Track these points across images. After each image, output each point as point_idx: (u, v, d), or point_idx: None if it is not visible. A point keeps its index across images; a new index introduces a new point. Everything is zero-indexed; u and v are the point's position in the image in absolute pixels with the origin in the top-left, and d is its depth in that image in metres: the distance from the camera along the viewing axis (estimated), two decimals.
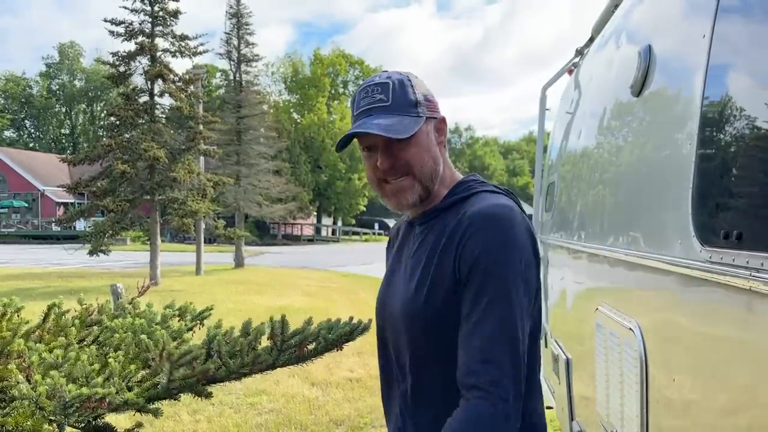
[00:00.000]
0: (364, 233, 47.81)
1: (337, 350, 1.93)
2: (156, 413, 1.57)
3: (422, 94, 1.31)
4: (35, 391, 1.39)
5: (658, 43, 1.82)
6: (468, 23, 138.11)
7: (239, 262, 21.50)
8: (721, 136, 1.30)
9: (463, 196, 1.30)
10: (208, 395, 1.68)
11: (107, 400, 1.44)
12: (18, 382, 1.42)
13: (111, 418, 1.67)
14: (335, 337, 1.93)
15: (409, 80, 1.30)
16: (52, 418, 1.41)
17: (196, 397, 1.69)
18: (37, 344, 1.66)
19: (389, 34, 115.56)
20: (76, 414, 1.41)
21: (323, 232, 47.53)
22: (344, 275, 18.70)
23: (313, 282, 16.77)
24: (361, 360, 7.30)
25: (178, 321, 2.07)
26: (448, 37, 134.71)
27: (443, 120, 1.36)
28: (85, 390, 1.42)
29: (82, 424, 1.46)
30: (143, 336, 1.68)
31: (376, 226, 51.84)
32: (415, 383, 1.30)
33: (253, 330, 1.74)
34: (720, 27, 1.37)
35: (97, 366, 1.59)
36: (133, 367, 1.64)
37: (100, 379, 1.53)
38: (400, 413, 1.35)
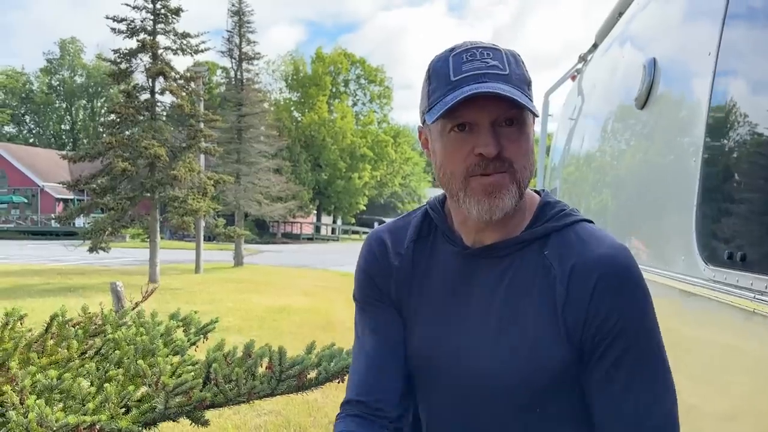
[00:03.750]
0: (364, 232, 47.76)
1: (339, 382, 1.89)
2: None
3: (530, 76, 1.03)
4: (26, 418, 1.38)
5: (663, 57, 1.83)
6: (478, 23, 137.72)
7: (239, 261, 21.49)
8: (727, 154, 1.31)
9: (556, 226, 1.04)
10: (205, 423, 1.67)
11: (97, 426, 1.43)
12: (13, 406, 1.41)
13: None
14: (337, 369, 1.88)
15: (519, 56, 1.03)
16: None
17: (196, 423, 1.68)
18: (32, 365, 1.64)
19: (399, 33, 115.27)
20: None
21: (323, 231, 47.54)
22: (343, 275, 18.69)
23: (313, 281, 16.77)
24: None
25: (183, 332, 2.07)
26: (458, 36, 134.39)
27: (535, 119, 1.06)
28: (72, 419, 1.40)
29: None
30: (140, 362, 1.66)
31: (376, 225, 51.75)
32: None
33: (255, 353, 1.73)
34: (726, 43, 1.37)
35: (93, 389, 1.58)
36: (131, 387, 1.63)
37: (92, 405, 1.52)
38: None
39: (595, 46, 3.46)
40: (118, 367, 1.73)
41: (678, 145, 1.60)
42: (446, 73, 0.98)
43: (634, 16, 2.48)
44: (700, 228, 1.34)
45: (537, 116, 1.02)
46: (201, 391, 1.63)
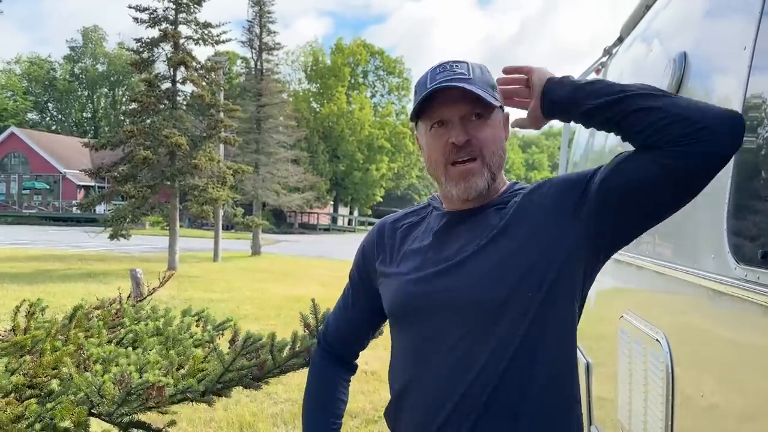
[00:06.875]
0: None
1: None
2: (210, 403, 1.63)
3: (495, 82, 1.31)
4: (99, 378, 1.43)
5: (694, 51, 1.79)
6: (504, 16, 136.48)
7: (256, 250, 21.64)
8: (761, 150, 1.28)
9: (524, 191, 1.33)
10: (258, 386, 1.70)
11: (165, 388, 1.47)
12: (70, 375, 1.45)
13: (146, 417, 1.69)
14: None
15: (486, 67, 1.30)
16: (94, 411, 1.42)
17: (248, 389, 1.71)
18: (89, 339, 1.69)
19: (426, 24, 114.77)
20: (137, 402, 1.43)
21: (339, 222, 47.64)
22: None
23: (329, 272, 16.82)
24: (375, 353, 7.29)
25: (200, 327, 2.09)
26: (485, 27, 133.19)
27: (508, 116, 1.34)
28: (150, 376, 1.46)
29: (126, 418, 1.47)
30: (197, 350, 1.67)
31: None
32: (491, 395, 1.19)
33: (279, 342, 1.75)
34: (763, 37, 1.33)
35: (159, 358, 1.64)
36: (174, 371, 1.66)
37: (157, 371, 1.57)
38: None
39: (620, 39, 3.40)
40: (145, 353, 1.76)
41: None
42: (424, 82, 1.26)
43: (663, 9, 2.43)
44: (732, 226, 1.32)
45: (497, 108, 1.26)
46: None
